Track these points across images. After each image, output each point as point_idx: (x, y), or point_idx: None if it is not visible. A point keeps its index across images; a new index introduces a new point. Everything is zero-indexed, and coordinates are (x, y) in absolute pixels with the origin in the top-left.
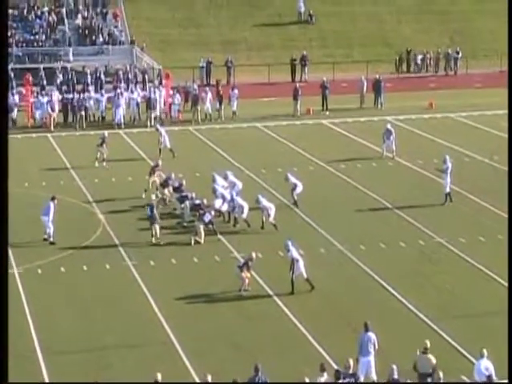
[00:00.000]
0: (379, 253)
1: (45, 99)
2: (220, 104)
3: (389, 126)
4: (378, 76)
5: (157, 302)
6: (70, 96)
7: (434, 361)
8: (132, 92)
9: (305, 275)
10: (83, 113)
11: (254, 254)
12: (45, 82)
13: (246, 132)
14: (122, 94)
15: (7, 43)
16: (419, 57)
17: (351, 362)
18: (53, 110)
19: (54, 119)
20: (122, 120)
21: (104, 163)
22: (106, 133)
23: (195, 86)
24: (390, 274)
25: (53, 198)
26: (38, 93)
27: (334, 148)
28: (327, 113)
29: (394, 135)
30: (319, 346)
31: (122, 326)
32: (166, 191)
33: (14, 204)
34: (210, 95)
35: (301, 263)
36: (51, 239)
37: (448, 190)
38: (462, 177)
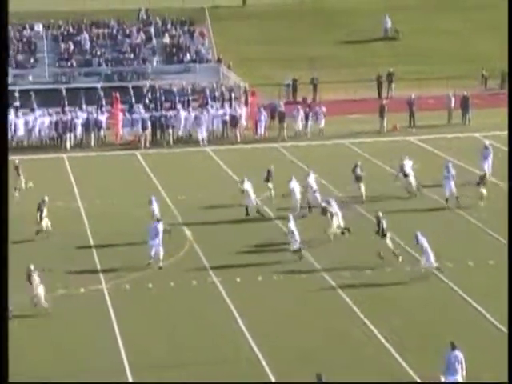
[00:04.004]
0: (467, 270)
1: (133, 117)
2: (306, 121)
3: (487, 144)
4: (465, 92)
5: (243, 318)
6: (158, 114)
7: None
8: (218, 110)
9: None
10: (171, 130)
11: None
12: (133, 100)
13: (331, 149)
14: (208, 111)
15: (7, 42)
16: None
17: (442, 378)
18: (145, 128)
19: (145, 137)
20: (206, 137)
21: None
22: (17, 161)
23: (281, 104)
24: (478, 291)
25: (158, 220)
26: (126, 111)
27: (421, 165)
28: (414, 130)
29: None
30: (405, 363)
31: (207, 343)
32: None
33: (104, 221)
34: (301, 113)
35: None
36: (160, 264)
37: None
38: None
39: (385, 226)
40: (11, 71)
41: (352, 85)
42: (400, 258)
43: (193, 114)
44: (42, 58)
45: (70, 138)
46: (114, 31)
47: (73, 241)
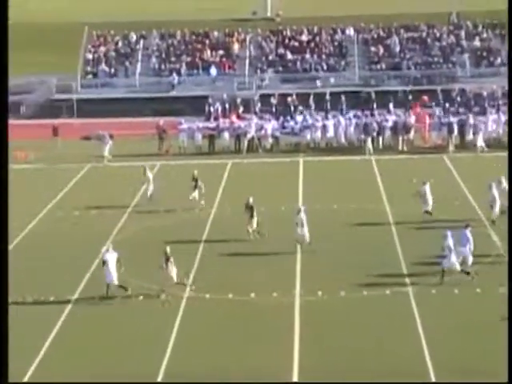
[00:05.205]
0: None
1: (441, 120)
2: None
3: None
4: None
5: None
6: (466, 117)
7: None
8: None
9: None
10: (479, 134)
11: None
12: (441, 104)
13: None
14: None
15: (7, 42)
16: None
17: None
18: (451, 131)
19: (452, 141)
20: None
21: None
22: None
23: None
24: None
25: (467, 226)
26: (434, 114)
27: None
28: None
29: None
30: None
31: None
32: None
33: (412, 224)
34: None
35: None
36: (469, 270)
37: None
38: None
39: None
40: (322, 74)
41: None
42: None
43: (503, 118)
44: (352, 62)
45: (378, 140)
46: (424, 34)
47: (377, 238)
